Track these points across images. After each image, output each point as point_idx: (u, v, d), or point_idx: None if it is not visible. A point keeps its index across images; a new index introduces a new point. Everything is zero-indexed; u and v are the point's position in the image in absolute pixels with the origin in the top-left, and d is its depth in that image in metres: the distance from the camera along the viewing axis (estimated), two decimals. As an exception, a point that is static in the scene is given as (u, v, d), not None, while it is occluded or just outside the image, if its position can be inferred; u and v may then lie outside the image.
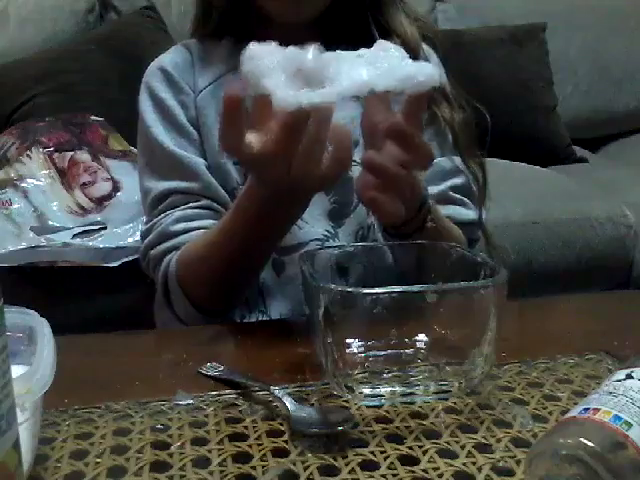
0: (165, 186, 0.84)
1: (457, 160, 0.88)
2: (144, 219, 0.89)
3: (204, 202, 0.83)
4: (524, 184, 1.76)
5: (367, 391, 0.56)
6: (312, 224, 0.84)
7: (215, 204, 0.83)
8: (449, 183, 0.87)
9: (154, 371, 0.63)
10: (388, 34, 0.87)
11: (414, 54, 0.86)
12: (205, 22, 0.91)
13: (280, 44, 0.88)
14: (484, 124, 0.87)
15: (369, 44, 0.89)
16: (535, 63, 2.10)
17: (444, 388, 0.57)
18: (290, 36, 0.87)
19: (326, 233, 0.84)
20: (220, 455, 0.48)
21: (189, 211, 0.82)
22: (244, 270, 0.78)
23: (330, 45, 0.91)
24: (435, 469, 0.47)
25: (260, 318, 0.84)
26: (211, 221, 0.82)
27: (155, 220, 0.84)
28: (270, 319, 0.83)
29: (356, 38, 0.88)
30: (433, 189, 0.84)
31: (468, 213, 0.88)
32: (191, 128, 0.86)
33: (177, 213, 0.82)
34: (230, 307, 0.83)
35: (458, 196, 0.88)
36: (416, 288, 0.55)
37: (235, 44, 0.89)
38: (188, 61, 0.89)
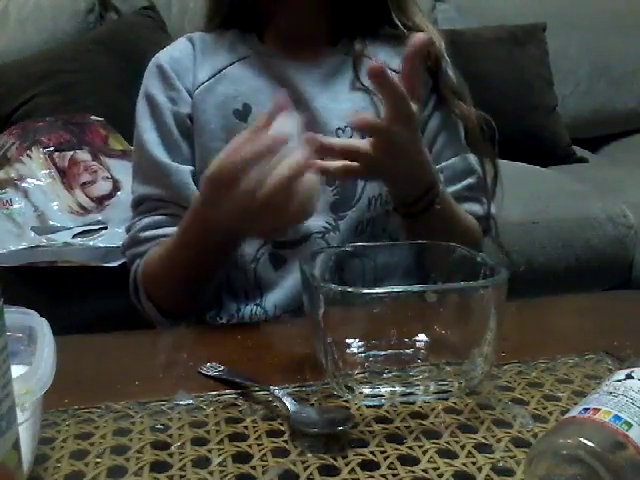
0: (141, 191, 0.87)
1: (471, 158, 0.89)
2: None
3: (173, 209, 0.85)
4: (524, 184, 1.76)
5: (367, 391, 0.56)
6: (313, 216, 0.84)
7: (184, 211, 0.84)
8: (464, 183, 0.89)
9: (154, 371, 0.63)
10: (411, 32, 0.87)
11: (437, 55, 0.86)
12: (215, 15, 0.91)
13: (290, 30, 0.89)
14: (491, 129, 0.88)
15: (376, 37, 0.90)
16: (535, 63, 2.09)
17: (444, 388, 0.57)
18: (300, 22, 0.88)
19: (327, 225, 0.84)
20: (220, 455, 0.48)
21: (157, 218, 0.86)
22: (198, 280, 0.80)
23: (337, 33, 0.92)
24: (435, 469, 0.47)
25: (255, 310, 0.84)
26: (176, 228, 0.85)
27: (130, 223, 0.88)
28: (266, 312, 0.84)
29: (365, 31, 0.89)
30: (450, 189, 0.86)
31: (482, 208, 0.90)
32: (176, 130, 0.86)
33: (146, 220, 0.86)
34: (192, 311, 0.85)
35: (472, 194, 0.90)
36: (416, 288, 0.55)
37: (239, 36, 0.89)
38: (189, 53, 0.89)
